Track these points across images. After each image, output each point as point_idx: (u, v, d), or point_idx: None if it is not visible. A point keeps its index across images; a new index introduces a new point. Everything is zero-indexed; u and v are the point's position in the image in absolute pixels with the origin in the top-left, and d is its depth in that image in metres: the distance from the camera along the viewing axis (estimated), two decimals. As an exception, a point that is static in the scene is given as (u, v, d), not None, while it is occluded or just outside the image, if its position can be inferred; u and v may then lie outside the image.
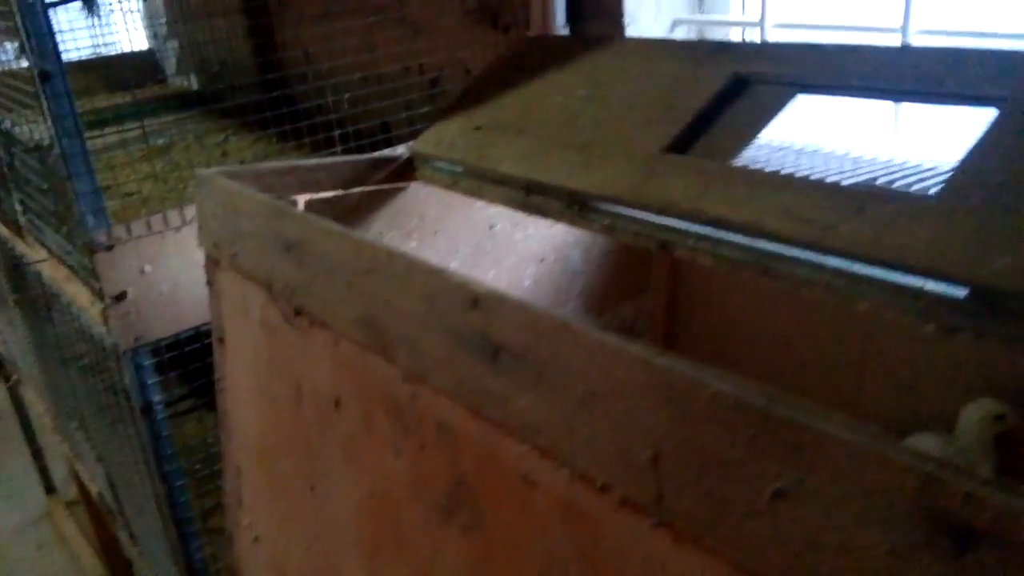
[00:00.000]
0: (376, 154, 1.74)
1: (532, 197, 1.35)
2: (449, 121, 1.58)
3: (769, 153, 1.89)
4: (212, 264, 1.46)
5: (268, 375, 1.37)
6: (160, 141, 3.50)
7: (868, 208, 0.96)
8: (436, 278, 0.94)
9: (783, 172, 1.19)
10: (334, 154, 2.38)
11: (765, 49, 1.31)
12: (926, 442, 1.66)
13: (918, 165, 1.63)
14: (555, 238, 2.01)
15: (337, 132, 2.24)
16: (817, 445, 0.61)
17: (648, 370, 0.73)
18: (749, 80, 1.27)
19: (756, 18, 2.44)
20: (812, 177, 1.22)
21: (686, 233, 1.15)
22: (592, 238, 2.07)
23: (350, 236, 1.09)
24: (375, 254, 1.04)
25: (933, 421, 1.72)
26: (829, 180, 1.16)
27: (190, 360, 2.08)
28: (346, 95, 2.25)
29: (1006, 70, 1.02)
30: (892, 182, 1.53)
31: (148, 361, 1.95)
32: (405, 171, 1.66)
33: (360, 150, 2.32)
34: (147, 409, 1.97)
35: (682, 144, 1.23)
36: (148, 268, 1.88)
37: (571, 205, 1.29)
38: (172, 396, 2.20)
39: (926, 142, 2.24)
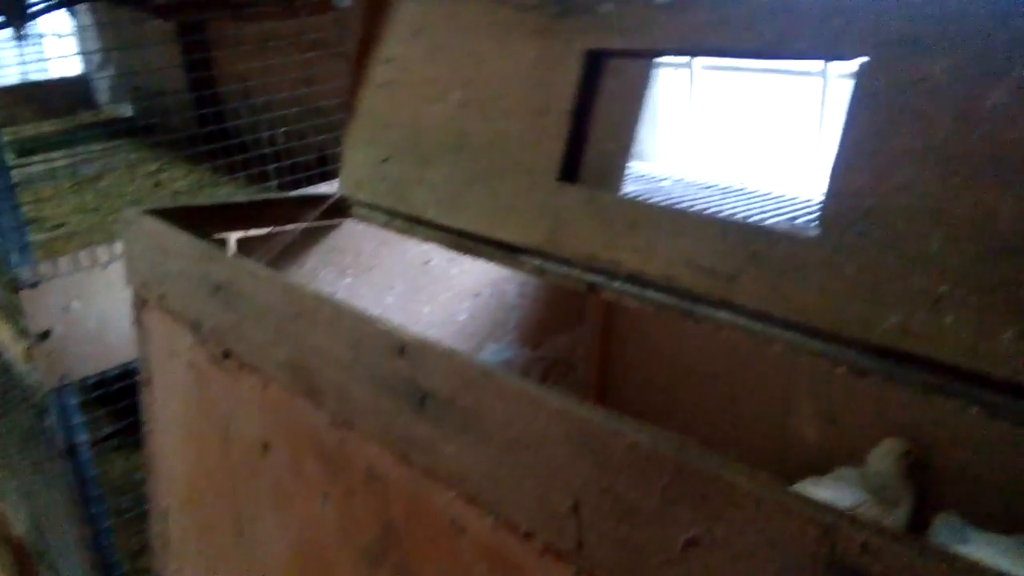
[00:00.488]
0: (310, 191, 1.74)
1: (463, 241, 1.36)
2: (357, 149, 1.56)
3: (653, 179, 1.94)
4: (140, 304, 1.44)
5: (196, 417, 1.35)
6: (91, 170, 3.43)
7: (760, 254, 0.98)
8: (363, 324, 0.95)
9: (673, 205, 1.19)
10: (269, 187, 2.37)
11: (611, 10, 1.18)
12: (848, 476, 1.72)
13: (780, 196, 1.68)
14: (490, 273, 2.03)
15: (273, 166, 2.23)
16: (725, 495, 0.64)
17: (567, 420, 0.74)
18: (603, 55, 1.20)
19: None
20: (701, 210, 1.20)
21: (612, 275, 1.18)
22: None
23: (279, 280, 1.09)
24: (303, 299, 1.04)
25: (856, 452, 1.77)
26: (717, 213, 1.13)
27: (118, 397, 2.04)
28: (283, 129, 2.24)
29: (866, 22, 0.92)
30: (771, 209, 1.56)
31: (73, 400, 1.90)
32: (339, 208, 1.66)
33: (296, 183, 2.31)
34: (72, 450, 1.92)
35: (571, 166, 1.22)
36: (75, 305, 1.84)
37: (500, 249, 1.31)
38: (99, 434, 2.14)
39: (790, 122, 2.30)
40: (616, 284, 1.16)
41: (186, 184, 3.24)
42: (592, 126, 1.23)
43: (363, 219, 1.61)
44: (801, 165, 2.27)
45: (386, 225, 1.55)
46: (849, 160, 0.94)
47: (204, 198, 3.02)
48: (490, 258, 1.34)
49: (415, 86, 1.46)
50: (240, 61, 3.04)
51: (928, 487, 1.70)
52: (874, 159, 0.91)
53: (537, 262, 1.27)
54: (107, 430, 2.20)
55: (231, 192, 3.04)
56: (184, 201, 2.87)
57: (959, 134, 0.85)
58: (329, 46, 2.50)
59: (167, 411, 1.45)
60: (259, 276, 1.11)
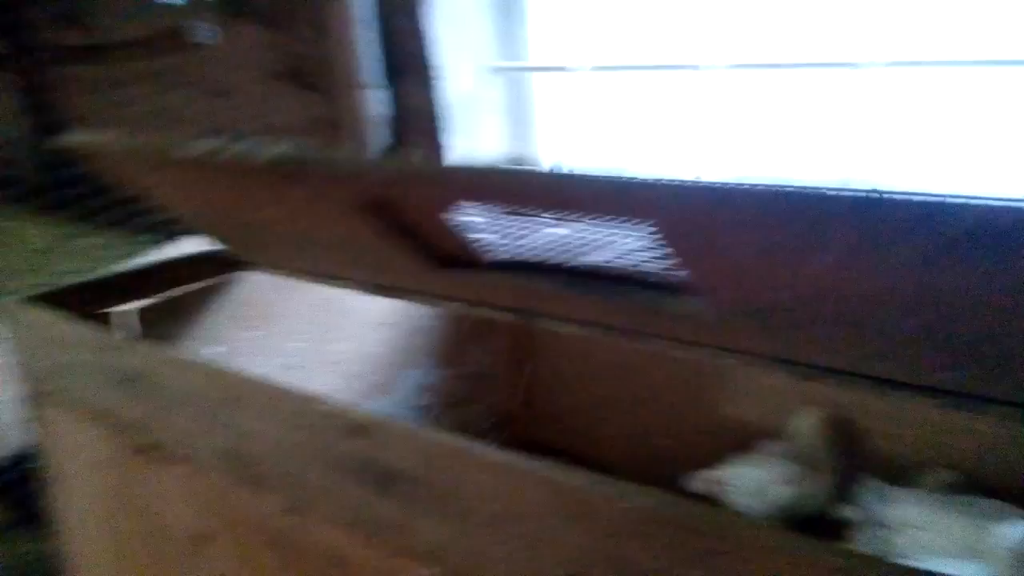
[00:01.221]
0: (202, 247, 1.64)
1: (385, 290, 1.30)
2: (216, 230, 1.46)
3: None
4: (36, 399, 1.31)
5: (116, 514, 1.25)
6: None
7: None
8: (311, 407, 0.89)
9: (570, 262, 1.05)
10: (158, 237, 2.23)
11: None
12: (774, 450, 1.77)
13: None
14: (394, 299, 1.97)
15: (153, 219, 2.08)
16: (735, 550, 0.63)
17: (556, 489, 0.72)
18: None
19: (564, 60, 2.52)
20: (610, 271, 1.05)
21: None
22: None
23: (204, 366, 1.01)
24: (236, 383, 0.97)
25: (777, 428, 1.83)
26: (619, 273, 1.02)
27: (14, 486, 1.88)
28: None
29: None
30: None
31: (-38, 502, 1.73)
32: (237, 261, 1.57)
33: (174, 230, 2.18)
34: (-33, 556, 1.75)
35: (444, 257, 1.08)
36: (-51, 401, 1.67)
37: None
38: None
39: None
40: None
41: (43, 242, 3.01)
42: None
43: (264, 270, 1.53)
44: (701, 156, 2.32)
45: (291, 275, 1.48)
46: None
47: (67, 255, 2.81)
48: (421, 302, 1.30)
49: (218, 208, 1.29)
50: (94, 103, 2.83)
51: (854, 458, 1.77)
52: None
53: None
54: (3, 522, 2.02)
55: (100, 242, 2.85)
56: (51, 262, 2.66)
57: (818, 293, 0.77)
58: (192, 78, 2.36)
59: (79, 510, 1.33)
60: (180, 363, 1.03)
